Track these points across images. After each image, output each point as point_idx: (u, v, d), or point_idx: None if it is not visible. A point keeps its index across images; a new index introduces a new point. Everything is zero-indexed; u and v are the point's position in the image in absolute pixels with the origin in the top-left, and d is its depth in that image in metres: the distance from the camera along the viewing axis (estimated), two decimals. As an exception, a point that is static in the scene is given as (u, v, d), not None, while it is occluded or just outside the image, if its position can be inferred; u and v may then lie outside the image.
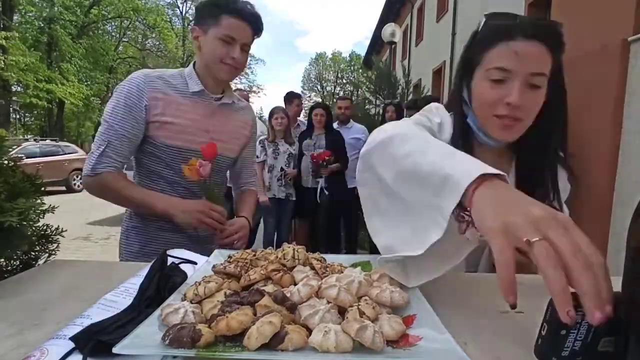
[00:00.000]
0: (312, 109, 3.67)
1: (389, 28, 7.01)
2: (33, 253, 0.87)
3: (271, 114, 3.50)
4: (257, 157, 3.25)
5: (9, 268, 0.82)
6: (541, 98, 0.74)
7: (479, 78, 0.78)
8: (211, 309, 0.52)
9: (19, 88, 17.12)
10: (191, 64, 1.17)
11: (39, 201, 0.80)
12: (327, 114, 3.58)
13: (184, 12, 29.38)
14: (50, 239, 0.91)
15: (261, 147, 3.36)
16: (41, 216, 0.82)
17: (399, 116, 3.82)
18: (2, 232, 0.72)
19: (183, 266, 0.71)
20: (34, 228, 0.83)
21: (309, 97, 39.58)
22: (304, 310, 0.50)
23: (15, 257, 0.82)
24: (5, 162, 0.79)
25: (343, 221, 3.86)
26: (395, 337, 0.47)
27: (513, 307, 0.39)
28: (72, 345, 0.45)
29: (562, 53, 0.75)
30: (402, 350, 0.46)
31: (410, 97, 5.60)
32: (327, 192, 3.53)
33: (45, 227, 0.89)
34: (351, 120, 3.91)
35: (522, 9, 5.21)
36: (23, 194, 0.78)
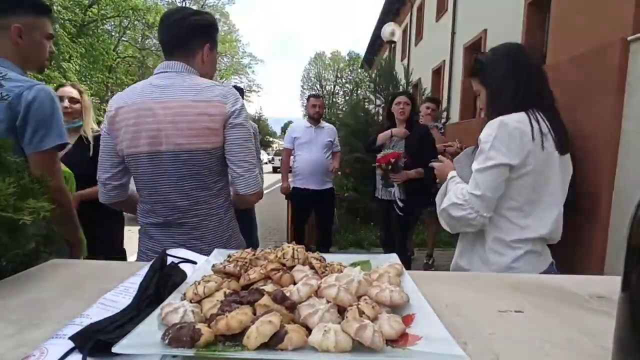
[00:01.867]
0: (393, 97, 3.05)
1: (388, 27, 7.01)
2: (35, 253, 0.87)
3: None
4: None
5: (10, 267, 0.81)
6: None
7: None
8: (211, 308, 0.52)
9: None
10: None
11: (47, 203, 0.81)
12: (412, 105, 2.94)
13: (183, 12, 29.30)
14: (51, 239, 0.91)
15: None
16: (47, 217, 0.83)
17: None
18: (13, 231, 0.73)
19: (183, 266, 0.71)
20: (40, 227, 0.83)
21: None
22: (304, 310, 0.50)
23: (17, 256, 0.82)
24: (13, 163, 0.80)
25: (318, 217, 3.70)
26: (394, 337, 0.47)
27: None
28: (71, 344, 0.45)
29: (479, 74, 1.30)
30: (401, 349, 0.46)
31: None
32: (401, 205, 2.79)
33: (48, 227, 0.89)
34: (321, 120, 3.62)
35: (522, 8, 5.21)
36: (32, 195, 0.79)
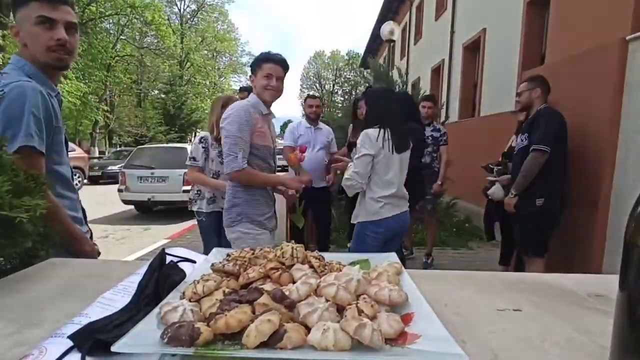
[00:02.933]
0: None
1: (387, 26, 7.00)
2: (32, 251, 0.87)
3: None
4: (195, 159, 2.53)
5: (9, 266, 0.81)
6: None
7: None
8: (210, 307, 0.52)
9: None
10: (252, 95, 1.91)
11: (43, 201, 0.81)
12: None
13: (181, 10, 29.30)
14: (50, 238, 0.91)
15: (202, 148, 2.52)
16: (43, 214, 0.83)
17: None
18: (9, 229, 0.73)
19: (182, 264, 0.71)
20: (37, 226, 0.83)
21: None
22: (303, 309, 0.50)
23: (15, 255, 0.82)
24: (8, 161, 0.80)
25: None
26: (393, 335, 0.47)
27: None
28: (70, 343, 0.45)
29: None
30: (400, 348, 0.46)
31: None
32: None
33: (45, 225, 0.89)
34: (318, 121, 3.57)
35: (522, 8, 5.21)
36: (28, 193, 0.79)
